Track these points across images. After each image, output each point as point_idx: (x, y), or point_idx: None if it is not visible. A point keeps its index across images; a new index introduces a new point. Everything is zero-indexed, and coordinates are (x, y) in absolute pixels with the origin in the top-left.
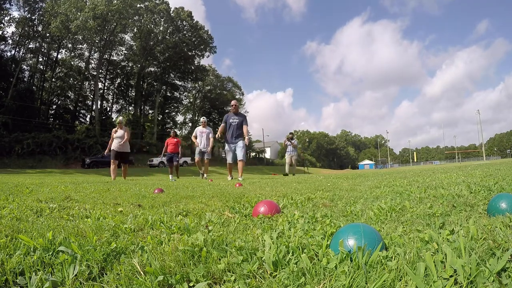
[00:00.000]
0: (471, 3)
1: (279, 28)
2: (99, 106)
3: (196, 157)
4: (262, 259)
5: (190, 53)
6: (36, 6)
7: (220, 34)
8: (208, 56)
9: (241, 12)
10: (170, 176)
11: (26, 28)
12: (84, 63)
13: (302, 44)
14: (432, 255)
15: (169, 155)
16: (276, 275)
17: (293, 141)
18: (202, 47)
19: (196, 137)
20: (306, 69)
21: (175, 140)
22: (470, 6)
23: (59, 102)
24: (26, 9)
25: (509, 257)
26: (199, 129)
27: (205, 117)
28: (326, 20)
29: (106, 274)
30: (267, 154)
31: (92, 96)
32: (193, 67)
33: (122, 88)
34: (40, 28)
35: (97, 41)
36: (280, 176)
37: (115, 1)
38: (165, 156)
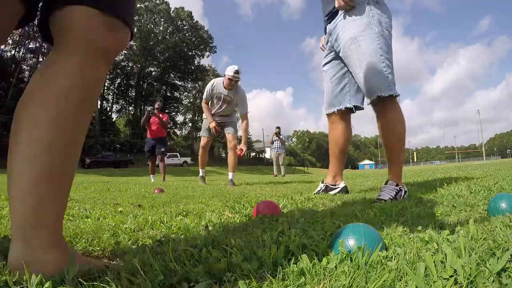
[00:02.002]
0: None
1: (277, 25)
2: (99, 106)
3: (203, 139)
4: (262, 259)
5: (190, 53)
6: None
7: (218, 31)
8: (208, 56)
9: (237, 8)
10: (151, 176)
11: (26, 28)
12: None
13: (301, 41)
14: (432, 255)
15: (150, 142)
16: (276, 275)
17: (281, 137)
18: (202, 47)
19: (208, 103)
20: (305, 67)
21: (160, 116)
22: (472, 3)
23: None
24: None
25: (509, 257)
26: (219, 88)
27: (236, 67)
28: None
29: (106, 274)
30: (267, 154)
31: None
32: (193, 67)
33: (122, 88)
34: None
35: None
36: (279, 177)
37: None
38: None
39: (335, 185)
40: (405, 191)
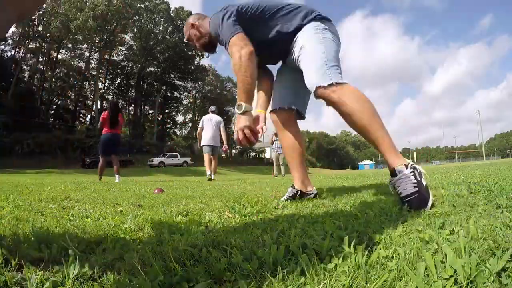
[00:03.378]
0: None
1: None
2: (99, 106)
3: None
4: (262, 259)
5: (190, 53)
6: None
7: None
8: (208, 56)
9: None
10: (116, 176)
11: (26, 28)
12: (84, 63)
13: None
14: (432, 255)
15: (105, 139)
16: (276, 275)
17: None
18: None
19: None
20: None
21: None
22: (472, 1)
23: (59, 102)
24: None
25: (509, 257)
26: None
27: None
28: (325, 14)
29: (106, 274)
30: (267, 154)
31: (92, 96)
32: (193, 67)
33: (122, 88)
34: (40, 28)
35: (97, 41)
36: (279, 177)
37: (115, 1)
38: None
39: (310, 192)
40: (419, 169)
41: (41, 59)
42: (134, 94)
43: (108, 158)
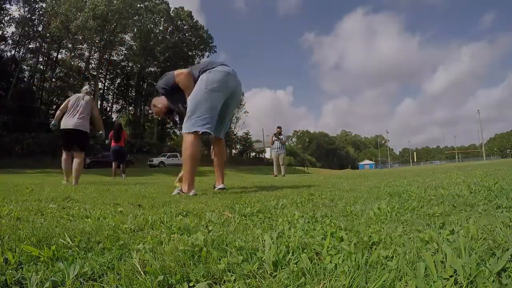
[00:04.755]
0: None
1: (274, 20)
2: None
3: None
4: (262, 259)
5: (190, 53)
6: (36, 6)
7: (216, 27)
8: (208, 56)
9: (232, 2)
10: (123, 175)
11: (26, 28)
12: (84, 63)
13: (299, 36)
14: (432, 255)
15: (113, 150)
16: (276, 275)
17: (281, 137)
18: (202, 47)
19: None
20: (305, 65)
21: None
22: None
23: (59, 102)
24: (26, 9)
25: (509, 257)
26: None
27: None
28: (325, 12)
29: (106, 274)
30: (267, 154)
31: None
32: None
33: (122, 88)
34: (40, 28)
35: (97, 41)
36: (279, 177)
37: (115, 1)
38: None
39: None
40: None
41: (41, 59)
42: (134, 94)
43: (119, 162)
